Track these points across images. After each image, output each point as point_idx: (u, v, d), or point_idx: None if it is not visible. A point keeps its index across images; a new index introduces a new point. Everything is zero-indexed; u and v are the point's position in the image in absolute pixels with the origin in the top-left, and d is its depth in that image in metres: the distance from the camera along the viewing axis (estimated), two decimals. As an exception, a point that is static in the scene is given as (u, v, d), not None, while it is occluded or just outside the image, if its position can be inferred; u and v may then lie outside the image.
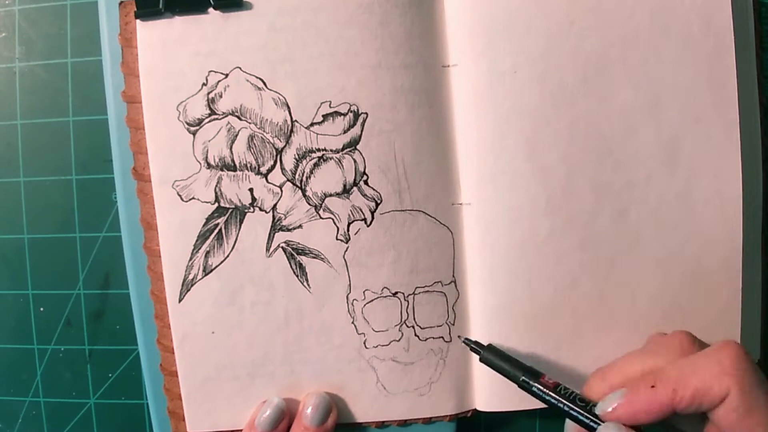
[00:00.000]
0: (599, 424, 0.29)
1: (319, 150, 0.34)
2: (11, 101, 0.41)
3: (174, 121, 0.33)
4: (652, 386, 0.28)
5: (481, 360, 0.33)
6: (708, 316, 0.35)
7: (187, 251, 0.34)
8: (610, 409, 0.29)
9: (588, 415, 0.30)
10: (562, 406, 0.31)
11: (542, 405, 0.32)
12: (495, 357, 0.33)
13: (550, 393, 0.31)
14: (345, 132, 0.34)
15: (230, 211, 0.34)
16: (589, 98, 0.33)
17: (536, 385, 0.31)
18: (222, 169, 0.34)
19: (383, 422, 0.36)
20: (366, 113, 0.34)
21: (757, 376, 0.27)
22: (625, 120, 0.34)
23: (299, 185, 0.34)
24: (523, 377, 0.31)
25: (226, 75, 0.33)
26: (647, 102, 0.34)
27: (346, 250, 0.34)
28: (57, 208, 0.41)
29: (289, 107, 0.33)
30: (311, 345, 0.35)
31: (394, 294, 0.35)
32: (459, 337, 0.35)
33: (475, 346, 0.33)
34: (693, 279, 0.34)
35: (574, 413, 0.30)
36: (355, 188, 0.34)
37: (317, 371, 0.35)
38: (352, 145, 0.34)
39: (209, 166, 0.34)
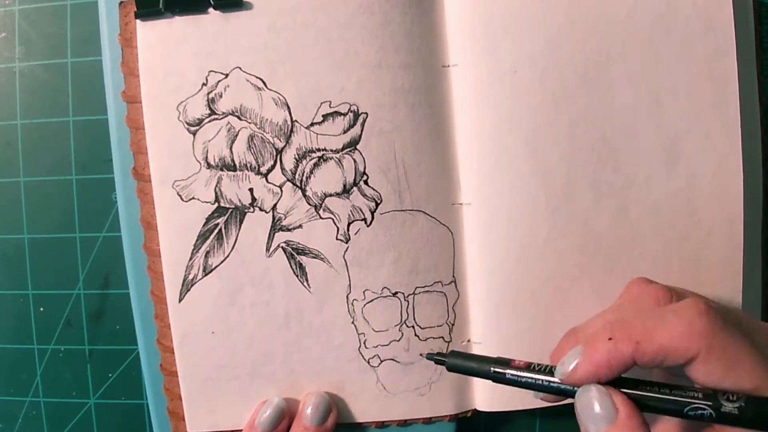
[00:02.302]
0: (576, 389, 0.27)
1: (319, 150, 0.34)
2: (11, 101, 0.41)
3: (174, 121, 0.33)
4: (610, 338, 0.26)
5: (448, 369, 0.30)
6: (708, 316, 0.35)
7: (187, 251, 0.34)
8: (570, 370, 0.26)
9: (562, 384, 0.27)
10: (539, 382, 0.28)
11: (541, 404, 0.30)
12: (461, 360, 0.30)
13: (524, 374, 0.28)
14: (345, 132, 0.34)
15: (230, 211, 0.34)
16: (589, 98, 0.33)
17: (508, 371, 0.28)
18: (222, 169, 0.34)
19: (383, 422, 0.36)
20: (366, 113, 0.34)
21: (728, 334, 0.25)
22: (625, 120, 0.34)
23: (299, 185, 0.34)
24: (493, 368, 0.29)
25: (226, 75, 0.33)
26: (648, 102, 0.34)
27: (346, 250, 0.34)
28: (57, 208, 0.41)
29: (289, 107, 0.33)
30: (311, 345, 0.35)
31: (394, 294, 0.35)
32: (421, 354, 0.34)
33: (440, 357, 0.30)
34: (693, 278, 0.34)
35: (554, 385, 0.27)
36: (355, 188, 0.34)
37: (317, 371, 0.35)
38: (352, 145, 0.34)
39: (209, 166, 0.34)
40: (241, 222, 0.34)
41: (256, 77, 0.33)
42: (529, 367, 0.28)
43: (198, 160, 0.34)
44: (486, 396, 0.36)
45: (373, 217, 0.34)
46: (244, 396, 0.35)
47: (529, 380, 0.28)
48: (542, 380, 0.28)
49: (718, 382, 0.25)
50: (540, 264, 0.34)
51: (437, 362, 0.30)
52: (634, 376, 0.27)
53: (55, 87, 0.40)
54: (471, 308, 0.35)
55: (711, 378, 0.25)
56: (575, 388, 0.27)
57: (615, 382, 0.26)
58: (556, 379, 0.27)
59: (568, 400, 0.28)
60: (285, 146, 0.34)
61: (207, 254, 0.34)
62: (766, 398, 0.24)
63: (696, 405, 0.25)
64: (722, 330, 0.25)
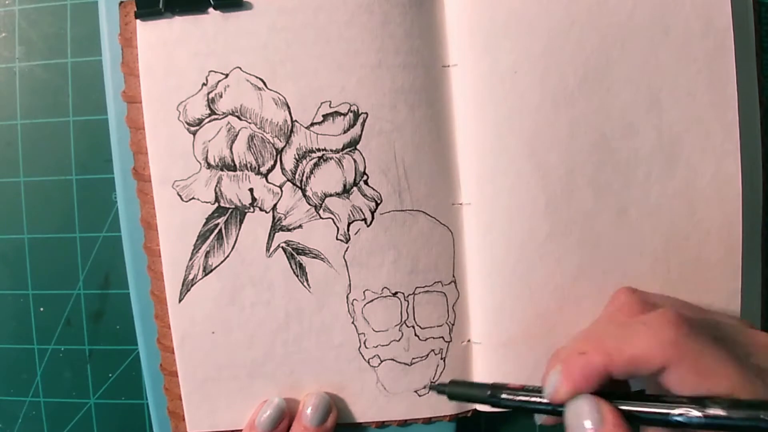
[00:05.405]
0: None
1: (319, 150, 0.34)
2: (11, 101, 0.41)
3: (174, 121, 0.33)
4: (582, 353, 0.27)
5: (449, 398, 0.31)
6: (708, 316, 0.35)
7: (187, 251, 0.34)
8: (553, 390, 0.27)
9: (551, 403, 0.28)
10: (532, 402, 0.28)
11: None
12: (460, 388, 0.31)
13: (517, 396, 0.29)
14: (345, 132, 0.34)
15: (230, 211, 0.34)
16: (589, 98, 0.33)
17: (503, 395, 0.29)
18: (222, 169, 0.34)
19: (383, 422, 0.36)
20: (366, 113, 0.34)
21: (698, 342, 0.26)
22: (625, 120, 0.34)
23: (299, 185, 0.34)
24: (489, 391, 0.29)
25: (226, 75, 0.33)
26: (647, 102, 0.34)
27: (346, 250, 0.34)
28: (57, 208, 0.41)
29: (289, 107, 0.33)
30: (311, 345, 0.35)
31: (394, 294, 0.35)
32: (425, 388, 0.35)
33: (441, 387, 0.31)
34: (692, 279, 0.34)
35: (545, 404, 0.28)
36: (355, 188, 0.34)
37: (317, 371, 0.35)
38: (352, 145, 0.34)
39: (209, 166, 0.34)
40: (241, 222, 0.34)
41: (256, 77, 0.33)
42: (522, 389, 0.29)
43: (198, 160, 0.34)
44: (486, 396, 0.36)
45: (373, 217, 0.34)
46: (244, 396, 0.35)
47: (523, 402, 0.29)
48: (535, 400, 0.28)
49: (693, 389, 0.25)
50: (540, 264, 0.34)
51: (439, 392, 0.31)
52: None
53: (55, 87, 0.40)
54: (471, 308, 0.35)
55: (685, 385, 0.26)
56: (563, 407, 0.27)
57: (604, 395, 0.27)
58: (541, 399, 0.28)
59: None
60: (285, 146, 0.34)
61: (207, 254, 0.34)
62: (751, 400, 0.25)
63: (683, 408, 0.25)
64: (691, 338, 0.26)
